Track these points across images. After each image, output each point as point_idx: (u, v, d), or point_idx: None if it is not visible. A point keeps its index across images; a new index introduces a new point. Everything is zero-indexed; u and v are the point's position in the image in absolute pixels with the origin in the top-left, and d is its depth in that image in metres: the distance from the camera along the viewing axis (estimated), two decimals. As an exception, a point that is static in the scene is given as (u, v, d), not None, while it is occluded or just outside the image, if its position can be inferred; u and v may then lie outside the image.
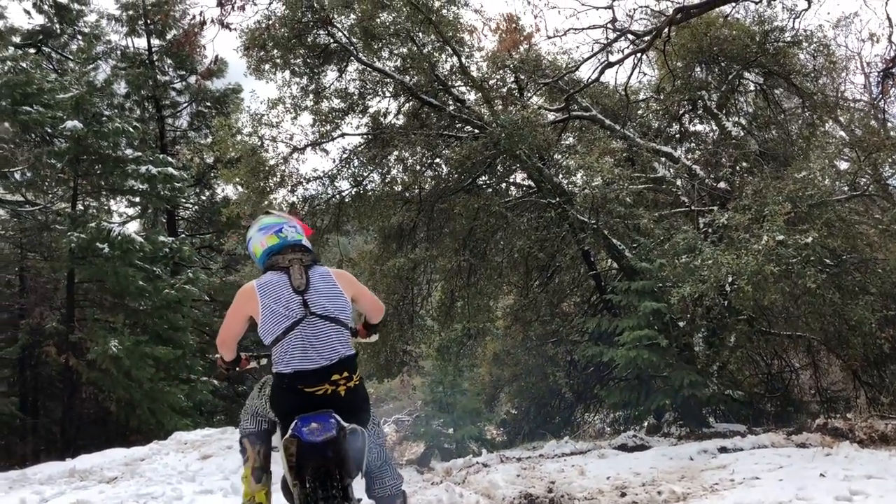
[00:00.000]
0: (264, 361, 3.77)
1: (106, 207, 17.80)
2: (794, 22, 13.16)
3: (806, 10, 12.80)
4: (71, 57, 19.71)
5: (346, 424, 3.29)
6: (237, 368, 4.02)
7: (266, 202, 12.98)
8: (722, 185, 12.39)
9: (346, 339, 3.51)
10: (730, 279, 9.99)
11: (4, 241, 17.49)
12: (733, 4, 12.98)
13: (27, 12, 19.74)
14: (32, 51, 18.28)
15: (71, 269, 15.36)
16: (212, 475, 7.13)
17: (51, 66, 18.62)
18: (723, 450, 8.49)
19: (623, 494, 6.21)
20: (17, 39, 17.74)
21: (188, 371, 16.16)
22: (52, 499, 6.48)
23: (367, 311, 3.96)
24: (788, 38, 13.16)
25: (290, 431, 3.25)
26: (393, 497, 3.81)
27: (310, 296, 3.48)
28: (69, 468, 8.16)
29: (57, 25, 19.54)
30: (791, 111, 14.33)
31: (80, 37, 19.74)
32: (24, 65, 14.84)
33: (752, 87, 14.64)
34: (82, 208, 16.14)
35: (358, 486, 3.68)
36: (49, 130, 15.60)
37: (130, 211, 20.18)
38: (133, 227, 17.98)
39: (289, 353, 3.40)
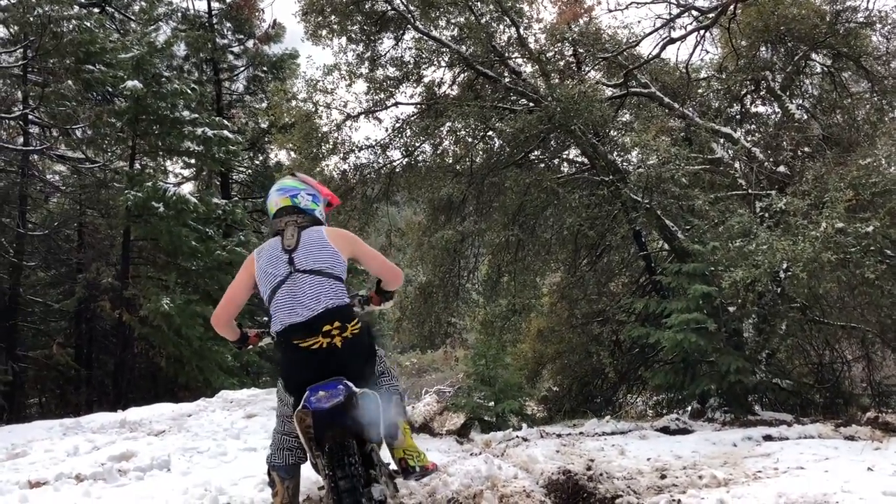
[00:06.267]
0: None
1: (162, 167, 18.08)
2: (867, 2, 12.68)
3: (881, -11, 12.32)
4: (133, 17, 20.02)
5: (356, 389, 3.26)
6: (248, 347, 4.01)
7: (318, 168, 13.09)
8: (781, 168, 12.06)
9: (333, 290, 3.47)
10: (784, 265, 9.77)
11: (65, 196, 17.97)
12: (804, -18, 12.55)
13: (92, -28, 20.15)
14: (96, 10, 18.54)
15: (127, 226, 15.71)
16: (256, 433, 7.27)
17: (113, 26, 18.92)
18: (768, 438, 8.32)
19: (663, 476, 6.12)
20: (82, -1, 18.01)
21: (237, 331, 16.42)
22: (104, 447, 6.71)
23: (378, 274, 3.86)
24: (861, 19, 12.66)
25: (301, 405, 3.24)
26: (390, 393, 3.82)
27: (297, 254, 3.51)
28: (120, 419, 8.42)
29: (120, -14, 19.87)
30: (859, 95, 13.80)
31: (142, -3, 20.03)
32: (87, 24, 15.06)
33: (818, 69, 14.15)
34: (139, 167, 16.43)
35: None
36: (110, 89, 15.89)
37: (186, 172, 20.51)
38: (188, 188, 18.28)
39: (278, 311, 3.46)
